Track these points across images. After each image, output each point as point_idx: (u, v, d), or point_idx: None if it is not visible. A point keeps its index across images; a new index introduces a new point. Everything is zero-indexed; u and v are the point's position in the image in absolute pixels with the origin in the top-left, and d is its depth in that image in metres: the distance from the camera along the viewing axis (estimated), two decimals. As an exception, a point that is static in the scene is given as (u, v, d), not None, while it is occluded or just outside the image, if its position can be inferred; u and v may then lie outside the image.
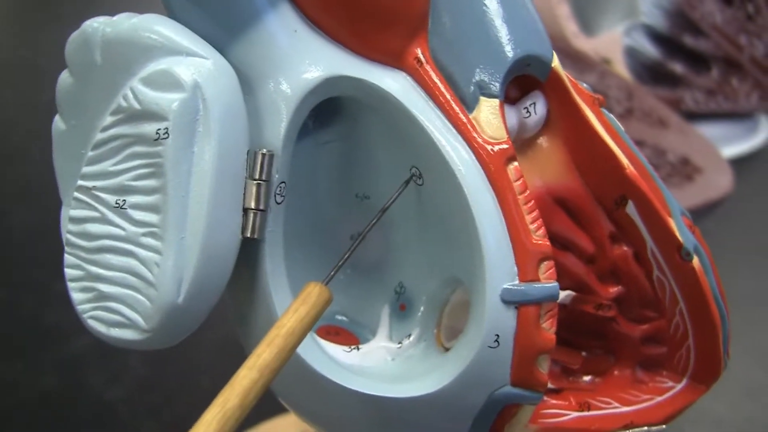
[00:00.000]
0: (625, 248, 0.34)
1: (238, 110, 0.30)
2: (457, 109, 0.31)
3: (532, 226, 0.30)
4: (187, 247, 0.29)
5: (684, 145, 0.60)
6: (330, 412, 0.32)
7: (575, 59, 0.63)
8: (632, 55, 0.69)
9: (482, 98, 0.31)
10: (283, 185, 0.31)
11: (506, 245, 0.30)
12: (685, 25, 0.70)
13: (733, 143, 0.72)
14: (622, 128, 0.34)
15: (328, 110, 0.34)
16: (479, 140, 0.30)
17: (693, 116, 0.70)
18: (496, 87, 0.31)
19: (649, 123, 0.61)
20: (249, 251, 0.31)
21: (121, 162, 0.30)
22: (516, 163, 0.30)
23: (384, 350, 0.34)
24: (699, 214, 0.57)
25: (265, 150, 0.30)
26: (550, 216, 0.33)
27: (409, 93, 0.31)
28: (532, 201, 0.30)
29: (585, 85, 0.34)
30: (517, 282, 0.30)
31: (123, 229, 0.30)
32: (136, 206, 0.30)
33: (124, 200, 0.30)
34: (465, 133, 0.31)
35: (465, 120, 0.31)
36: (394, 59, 0.31)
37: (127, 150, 0.30)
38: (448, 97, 0.31)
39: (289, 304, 0.30)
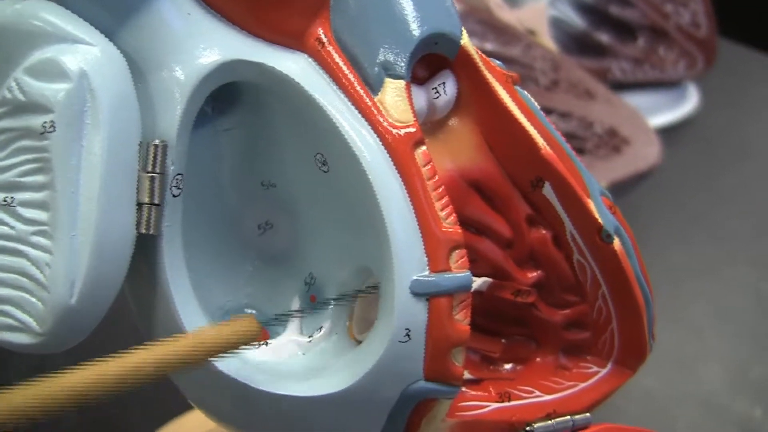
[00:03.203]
0: (544, 231, 0.33)
1: (129, 99, 0.28)
2: (361, 91, 0.29)
3: (442, 213, 0.29)
4: (78, 246, 0.27)
5: (611, 117, 0.59)
6: (237, 412, 0.31)
7: (499, 31, 0.62)
8: (558, 26, 0.68)
9: (387, 80, 0.29)
10: (179, 177, 0.29)
11: (415, 234, 0.28)
12: (611, -6, 0.69)
13: (662, 112, 0.72)
14: (538, 106, 0.33)
15: (229, 95, 0.32)
16: (385, 124, 0.29)
17: (621, 86, 0.69)
18: (401, 67, 0.29)
19: (576, 94, 0.60)
20: (146, 247, 0.29)
21: (8, 157, 0.28)
22: (424, 147, 0.29)
23: (294, 344, 0.32)
24: (627, 186, 0.56)
25: (158, 141, 0.28)
26: (464, 200, 0.32)
27: (311, 76, 0.29)
28: (442, 186, 0.29)
29: (497, 62, 0.32)
30: (427, 272, 0.28)
31: (12, 227, 0.28)
32: (25, 203, 0.28)
33: (13, 197, 0.28)
34: (370, 116, 0.29)
35: (370, 103, 0.29)
36: (295, 41, 0.30)
37: (13, 144, 0.28)
38: (352, 79, 0.29)
39: (191, 300, 0.29)
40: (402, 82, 0.29)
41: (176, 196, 0.29)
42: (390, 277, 0.28)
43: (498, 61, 0.32)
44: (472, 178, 0.32)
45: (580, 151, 0.57)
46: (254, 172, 0.33)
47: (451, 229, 0.29)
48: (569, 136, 0.57)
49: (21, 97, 0.28)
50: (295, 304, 0.33)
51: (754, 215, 0.66)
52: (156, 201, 0.28)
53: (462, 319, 0.29)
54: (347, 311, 0.32)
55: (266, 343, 0.32)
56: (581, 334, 0.34)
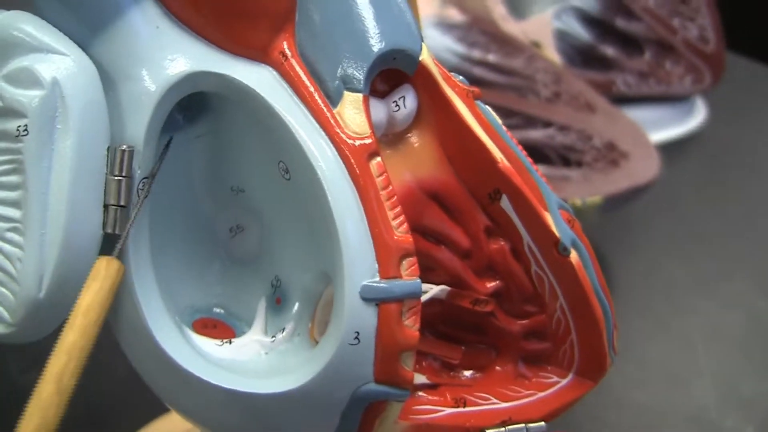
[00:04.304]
0: (502, 243, 0.34)
1: (98, 106, 0.30)
2: (321, 103, 0.30)
3: (394, 222, 0.30)
4: (47, 243, 0.29)
5: (611, 130, 0.59)
6: (200, 408, 0.32)
7: (503, 43, 0.62)
8: (563, 38, 0.68)
9: (346, 93, 0.30)
10: (146, 180, 0.30)
11: (367, 242, 0.30)
12: (617, 7, 0.69)
13: (670, 126, 0.72)
14: (499, 121, 0.34)
15: (200, 104, 0.33)
16: (342, 135, 0.30)
17: (629, 100, 0.70)
18: (359, 81, 0.30)
19: (577, 107, 0.60)
20: (113, 246, 0.31)
21: None
22: (379, 159, 0.30)
23: (258, 344, 0.33)
24: (623, 200, 0.57)
25: (125, 146, 0.30)
26: (423, 210, 0.33)
27: (273, 88, 0.31)
28: (395, 197, 0.30)
29: (460, 77, 0.33)
30: (377, 279, 0.29)
31: None
32: (1, 201, 0.30)
33: None
34: (328, 128, 0.30)
35: (329, 115, 0.30)
36: (259, 54, 0.31)
37: None
38: (313, 91, 0.31)
39: (155, 298, 0.30)
40: (360, 96, 0.30)
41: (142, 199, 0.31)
42: (341, 282, 0.29)
43: (460, 77, 0.33)
44: (431, 190, 0.33)
45: (578, 163, 0.57)
46: (224, 177, 0.34)
47: (402, 238, 0.30)
48: (568, 149, 0.58)
49: None
50: (262, 305, 0.34)
51: (755, 232, 0.66)
52: (122, 203, 0.30)
53: (411, 324, 0.30)
54: (309, 314, 0.34)
55: (230, 342, 0.33)
56: (540, 345, 0.35)
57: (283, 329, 0.34)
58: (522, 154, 0.33)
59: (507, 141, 0.33)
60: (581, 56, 0.69)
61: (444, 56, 0.61)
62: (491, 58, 0.61)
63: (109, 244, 0.30)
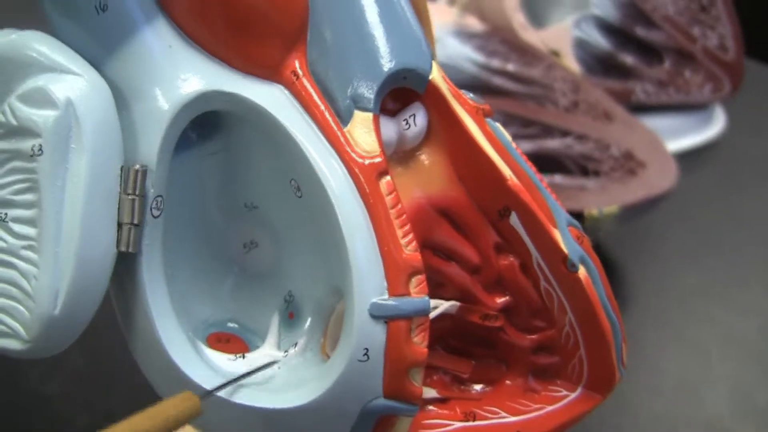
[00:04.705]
0: (512, 259, 0.34)
1: (111, 126, 0.30)
2: (332, 122, 0.31)
3: (403, 240, 0.30)
4: (62, 261, 0.30)
5: (629, 139, 0.60)
6: (212, 421, 0.32)
7: (522, 52, 0.63)
8: (582, 47, 0.68)
9: (357, 112, 0.31)
10: (159, 199, 0.31)
11: (376, 259, 0.30)
12: (636, 16, 0.70)
13: (689, 134, 0.72)
14: (509, 138, 0.34)
15: (213, 122, 0.34)
16: (352, 154, 0.31)
17: (648, 108, 0.70)
18: (370, 101, 0.31)
19: (595, 116, 0.61)
20: (128, 264, 0.31)
21: (2, 176, 0.31)
22: (388, 177, 0.31)
23: (270, 358, 0.34)
24: (640, 210, 0.57)
25: (138, 165, 0.30)
26: (433, 226, 0.33)
27: (285, 107, 0.31)
28: (405, 215, 0.31)
29: (470, 95, 0.34)
30: (386, 296, 0.30)
31: (5, 241, 0.31)
32: (17, 219, 0.30)
33: (6, 213, 0.31)
34: (338, 146, 0.31)
35: (339, 134, 0.31)
36: (271, 73, 0.32)
37: (7, 165, 0.31)
38: (324, 110, 0.31)
39: (168, 313, 0.31)
40: (370, 115, 0.31)
41: (156, 217, 0.31)
42: (351, 299, 0.30)
43: (471, 94, 0.34)
44: (441, 207, 0.33)
45: (595, 173, 0.58)
46: (237, 194, 0.35)
47: (411, 256, 0.30)
48: (586, 158, 0.58)
49: (13, 122, 0.30)
50: (275, 320, 0.35)
51: (771, 239, 0.66)
52: (135, 221, 0.31)
53: (420, 341, 0.30)
54: (321, 329, 0.34)
55: (243, 356, 0.34)
56: (550, 359, 0.36)
57: (296, 344, 0.34)
58: (531, 171, 0.34)
59: (516, 158, 0.33)
60: (601, 65, 0.69)
61: (463, 65, 0.61)
62: (510, 67, 0.62)
63: (126, 261, 0.31)
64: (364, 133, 0.31)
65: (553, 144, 0.58)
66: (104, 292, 0.31)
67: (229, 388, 0.31)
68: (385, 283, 0.30)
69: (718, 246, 0.64)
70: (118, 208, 0.30)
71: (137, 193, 0.30)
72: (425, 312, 0.30)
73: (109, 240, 0.30)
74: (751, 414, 0.51)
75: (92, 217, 0.30)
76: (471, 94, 0.34)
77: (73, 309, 0.30)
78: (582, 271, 0.34)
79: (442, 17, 0.63)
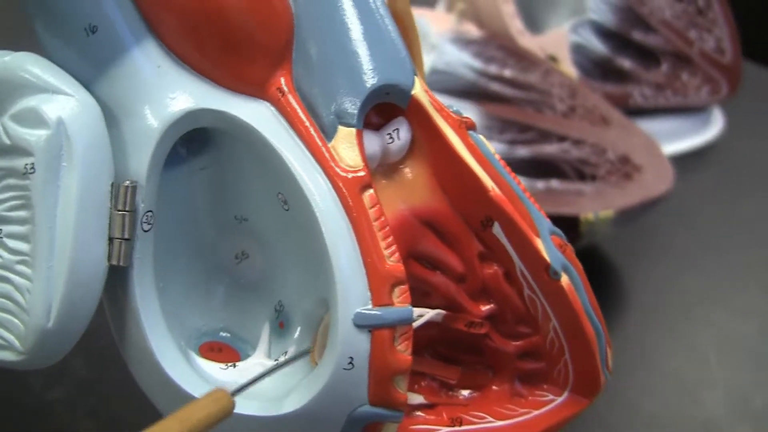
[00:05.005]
0: (495, 267, 0.35)
1: (101, 144, 0.31)
2: (316, 138, 0.32)
3: (386, 252, 0.31)
4: (54, 275, 0.31)
5: (625, 143, 0.60)
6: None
7: (519, 57, 0.63)
8: (580, 51, 0.69)
9: (341, 127, 0.32)
10: (149, 214, 0.32)
11: (359, 271, 0.31)
12: (633, 20, 0.70)
13: (688, 137, 0.72)
14: (492, 150, 0.35)
15: (202, 138, 0.35)
16: (336, 169, 0.31)
17: (646, 112, 0.70)
18: (353, 116, 0.32)
19: (592, 121, 0.61)
20: (120, 277, 0.32)
21: None
22: (371, 191, 0.31)
23: (261, 367, 0.35)
24: (636, 213, 0.57)
25: (128, 182, 0.31)
26: (418, 237, 0.34)
27: (270, 123, 0.32)
28: (388, 227, 0.31)
29: (454, 108, 0.35)
30: (370, 306, 0.31)
31: (0, 257, 0.32)
32: (11, 235, 0.31)
33: (1, 229, 0.32)
34: (322, 161, 0.32)
35: (323, 149, 0.32)
36: (257, 90, 0.32)
37: (2, 182, 0.32)
38: (309, 126, 0.32)
39: (160, 324, 0.32)
40: (353, 130, 0.32)
41: (147, 231, 0.32)
42: (335, 309, 0.31)
43: (454, 107, 0.35)
44: (425, 218, 0.34)
45: (592, 177, 0.58)
46: (228, 207, 0.36)
47: (393, 266, 0.31)
48: (582, 162, 0.59)
49: (7, 141, 0.31)
50: (266, 329, 0.36)
51: (770, 241, 0.66)
52: (126, 236, 0.31)
53: (404, 349, 0.31)
54: (311, 338, 0.35)
55: (234, 365, 0.35)
56: (535, 364, 0.36)
57: (286, 352, 0.35)
58: (515, 182, 0.34)
59: (499, 170, 0.34)
60: (598, 69, 0.70)
61: (461, 71, 0.62)
62: (507, 73, 0.62)
63: (118, 275, 0.32)
64: (347, 148, 0.32)
65: (550, 149, 0.59)
66: (96, 305, 0.32)
67: None
68: (369, 294, 0.31)
69: (716, 248, 0.65)
70: (109, 224, 0.31)
71: (127, 208, 0.31)
72: (408, 321, 0.31)
73: (101, 254, 0.31)
74: (747, 415, 0.52)
75: (83, 233, 0.31)
76: (455, 108, 0.35)
77: (66, 321, 0.31)
78: (565, 279, 0.34)
79: (439, 24, 0.64)
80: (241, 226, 0.36)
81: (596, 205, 0.55)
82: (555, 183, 0.57)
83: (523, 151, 0.59)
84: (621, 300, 0.60)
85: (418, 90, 0.33)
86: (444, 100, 0.59)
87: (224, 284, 0.37)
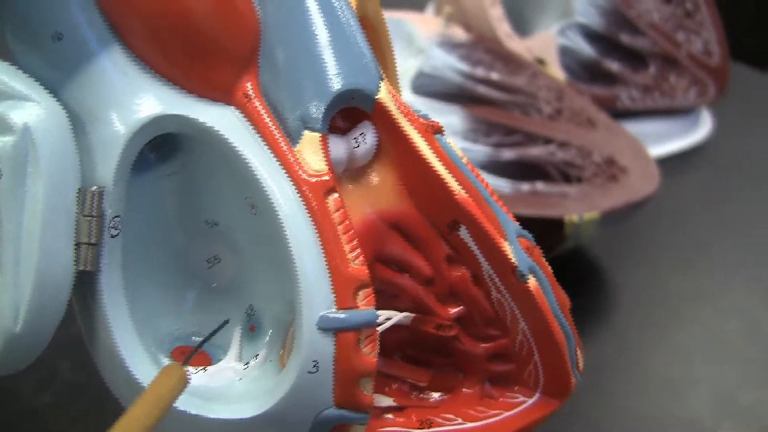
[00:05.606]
0: (463, 270, 0.35)
1: (68, 150, 0.31)
2: (281, 142, 0.32)
3: (350, 255, 0.31)
4: (21, 280, 0.31)
5: (611, 145, 0.60)
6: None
7: (506, 61, 0.63)
8: (567, 54, 0.69)
9: (305, 132, 0.32)
10: (117, 219, 0.32)
11: (324, 274, 0.31)
12: (621, 23, 0.70)
13: (676, 138, 0.73)
14: (459, 154, 0.35)
15: (170, 143, 0.35)
16: (301, 173, 0.32)
17: (634, 114, 0.70)
18: (318, 121, 0.32)
19: (578, 123, 0.61)
20: (89, 282, 0.33)
21: None
22: (336, 195, 0.32)
23: (232, 371, 0.35)
24: (621, 215, 0.58)
25: (95, 187, 0.32)
26: (385, 240, 0.34)
27: (236, 128, 0.32)
28: (352, 230, 0.32)
29: (421, 112, 0.35)
30: (334, 309, 0.31)
31: None
32: None
33: None
34: (287, 166, 0.32)
35: (289, 154, 0.32)
36: (224, 95, 0.33)
37: None
38: (274, 131, 0.32)
39: (129, 330, 0.32)
40: (318, 135, 0.32)
41: (115, 236, 0.32)
42: (300, 313, 0.31)
43: (422, 111, 0.35)
44: (392, 221, 0.34)
45: (578, 179, 0.58)
46: (198, 211, 0.36)
47: (358, 270, 0.31)
48: (568, 165, 0.59)
49: None
50: (237, 333, 0.36)
51: (757, 242, 0.66)
52: (93, 241, 0.32)
53: (369, 352, 0.31)
54: (281, 341, 0.35)
55: (204, 369, 0.35)
56: (505, 366, 0.37)
57: (257, 356, 0.35)
58: (482, 185, 0.35)
59: (466, 173, 0.34)
60: (586, 72, 0.70)
61: (448, 75, 0.62)
62: (494, 76, 0.62)
63: (86, 280, 0.32)
64: (312, 153, 0.32)
65: (535, 151, 0.59)
66: (64, 310, 0.32)
67: (182, 400, 0.32)
68: (333, 297, 0.31)
69: (704, 249, 0.65)
70: (76, 229, 0.32)
71: (94, 214, 0.32)
72: (372, 324, 0.31)
73: (68, 259, 0.32)
74: (732, 414, 0.52)
75: (50, 238, 0.31)
76: (422, 112, 0.35)
77: (34, 326, 0.31)
78: (532, 282, 0.35)
79: (427, 28, 0.64)
80: (212, 231, 0.36)
81: (581, 207, 0.55)
82: (540, 185, 0.57)
83: (508, 154, 0.59)
84: (607, 301, 0.60)
85: (384, 94, 0.33)
86: (430, 103, 0.60)
87: (196, 288, 0.37)
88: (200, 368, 0.35)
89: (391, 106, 0.33)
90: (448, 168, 0.34)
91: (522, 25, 0.71)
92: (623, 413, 0.52)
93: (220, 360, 0.36)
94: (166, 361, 0.35)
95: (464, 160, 0.35)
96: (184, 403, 0.32)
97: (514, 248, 0.34)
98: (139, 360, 0.33)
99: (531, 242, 0.35)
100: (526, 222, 0.53)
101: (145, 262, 0.36)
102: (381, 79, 0.34)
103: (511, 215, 0.35)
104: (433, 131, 0.35)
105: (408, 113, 0.34)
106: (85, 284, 0.32)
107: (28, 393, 0.54)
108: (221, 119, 0.32)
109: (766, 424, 0.51)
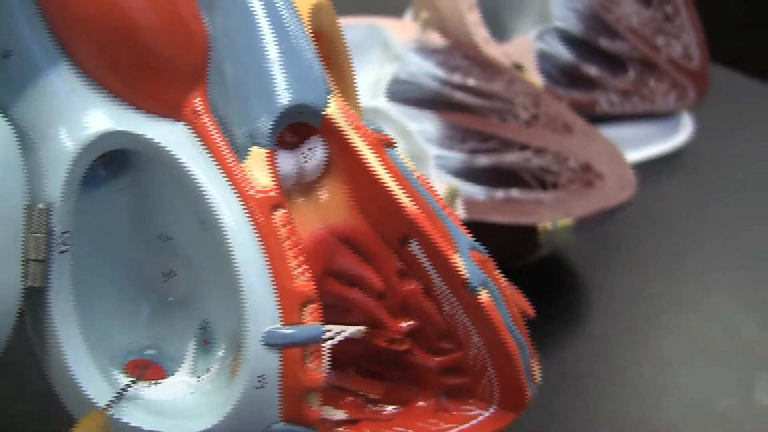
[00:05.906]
0: (415, 284, 0.35)
1: (14, 167, 0.31)
2: (229, 158, 0.32)
3: (296, 271, 0.32)
4: None
5: (587, 151, 0.60)
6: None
7: (484, 66, 0.63)
8: (546, 59, 0.69)
9: (253, 147, 0.32)
10: (66, 235, 0.32)
11: (269, 290, 0.31)
12: (600, 28, 0.70)
13: (657, 142, 0.72)
14: (410, 167, 0.35)
15: (121, 159, 0.35)
16: (247, 189, 0.32)
17: (614, 118, 0.70)
18: (265, 136, 0.32)
19: (554, 128, 0.61)
20: (38, 298, 0.33)
21: None
22: (283, 211, 0.32)
23: (185, 384, 0.35)
24: (597, 221, 0.57)
25: (43, 204, 0.32)
26: (336, 255, 0.34)
27: (184, 144, 0.32)
28: (299, 246, 0.32)
29: (373, 126, 0.35)
30: (279, 325, 0.31)
31: None
32: None
33: None
34: (235, 182, 0.32)
35: (236, 169, 0.32)
36: (173, 111, 0.33)
37: None
38: (222, 146, 0.32)
39: (79, 345, 0.32)
40: (264, 151, 0.32)
41: (64, 252, 0.32)
42: (246, 328, 0.31)
43: (373, 125, 0.35)
44: (343, 235, 0.34)
45: (554, 185, 0.58)
46: (151, 226, 0.36)
47: (304, 285, 0.31)
48: (544, 171, 0.59)
49: None
50: (191, 346, 0.36)
51: (737, 245, 0.66)
52: (41, 257, 0.32)
53: (315, 367, 0.32)
54: (233, 355, 0.35)
55: (157, 383, 0.35)
56: (459, 379, 0.37)
57: (209, 369, 0.35)
58: (433, 199, 0.35)
59: (416, 187, 0.34)
60: (565, 76, 0.69)
61: (425, 81, 0.62)
62: (471, 82, 0.62)
63: (35, 297, 0.32)
64: (259, 169, 0.32)
65: (511, 158, 0.59)
66: (13, 325, 0.32)
67: (130, 414, 0.32)
68: (279, 312, 0.31)
69: (682, 253, 0.65)
70: (24, 245, 0.32)
71: (42, 230, 0.32)
72: (318, 339, 0.31)
73: (16, 276, 0.32)
74: (710, 420, 0.52)
75: None
76: (375, 125, 0.35)
77: None
78: (484, 295, 0.35)
79: (404, 34, 0.64)
80: (166, 245, 0.36)
81: (555, 214, 0.55)
82: (515, 192, 0.57)
83: (484, 161, 0.59)
84: (585, 307, 0.60)
85: (333, 109, 0.33)
86: (406, 110, 0.60)
87: (151, 302, 0.37)
88: (152, 382, 0.35)
89: (340, 121, 0.34)
90: (399, 182, 0.34)
91: (500, 30, 0.71)
92: (600, 420, 0.52)
93: (174, 373, 0.36)
94: (119, 376, 0.35)
95: (415, 174, 0.35)
96: (134, 419, 0.33)
97: (466, 262, 0.34)
98: (90, 376, 0.33)
99: (484, 255, 0.35)
100: (500, 229, 0.53)
101: (99, 276, 0.36)
102: (330, 93, 0.34)
103: (464, 228, 0.35)
104: (384, 145, 0.35)
105: (358, 127, 0.34)
106: (35, 300, 0.33)
107: (3, 402, 0.54)
108: (170, 135, 0.32)
109: (744, 430, 0.51)
